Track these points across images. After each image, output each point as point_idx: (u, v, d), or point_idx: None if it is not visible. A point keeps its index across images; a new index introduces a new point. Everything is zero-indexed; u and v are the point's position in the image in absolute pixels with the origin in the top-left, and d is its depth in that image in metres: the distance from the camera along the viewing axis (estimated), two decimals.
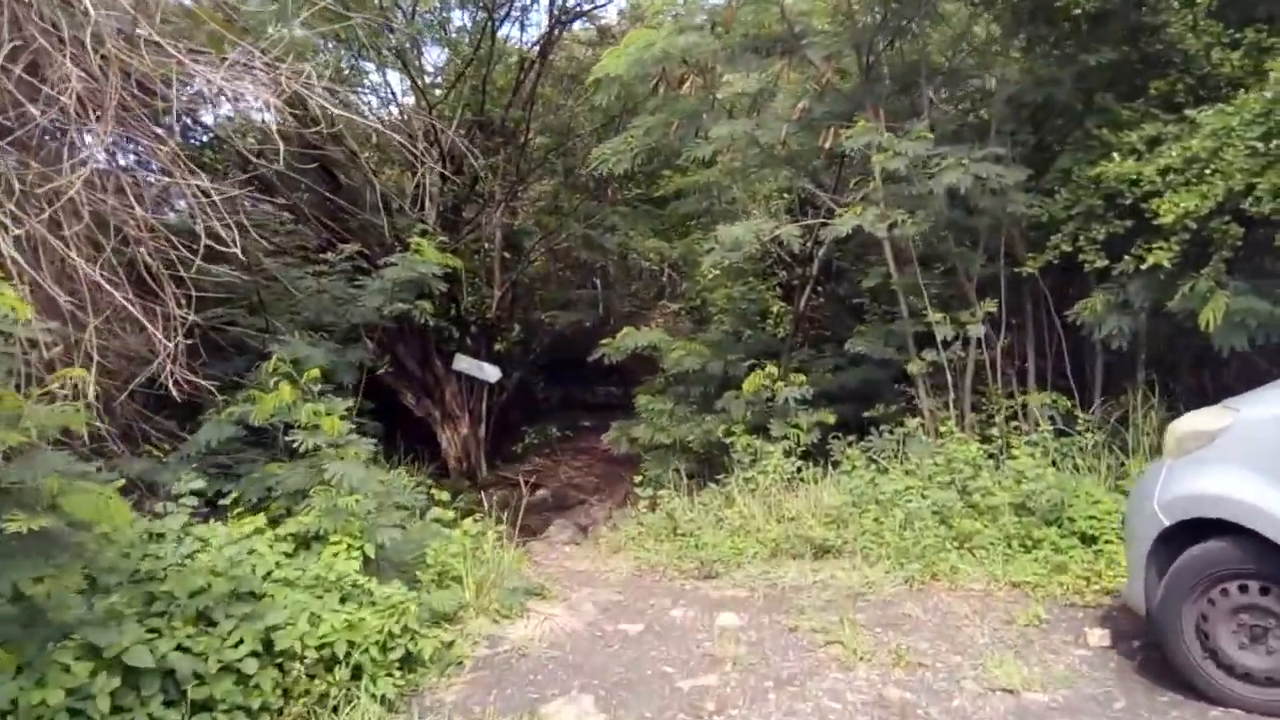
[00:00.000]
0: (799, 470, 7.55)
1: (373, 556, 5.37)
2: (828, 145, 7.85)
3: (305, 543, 5.45)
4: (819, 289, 12.85)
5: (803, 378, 8.27)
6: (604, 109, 11.44)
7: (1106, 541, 5.92)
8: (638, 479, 9.20)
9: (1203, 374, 8.03)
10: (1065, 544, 6.02)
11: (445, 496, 6.85)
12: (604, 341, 10.11)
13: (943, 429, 7.55)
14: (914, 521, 6.34)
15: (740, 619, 5.60)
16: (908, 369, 8.18)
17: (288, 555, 5.22)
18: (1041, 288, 8.23)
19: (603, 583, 7.04)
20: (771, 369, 8.19)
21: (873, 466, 7.28)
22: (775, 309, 12.09)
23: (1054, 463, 6.79)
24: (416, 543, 6.00)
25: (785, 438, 8.06)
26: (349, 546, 5.31)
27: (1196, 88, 7.41)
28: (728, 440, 8.34)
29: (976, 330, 7.64)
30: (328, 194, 13.63)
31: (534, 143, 14.96)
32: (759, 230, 7.81)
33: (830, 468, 7.76)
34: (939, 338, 7.81)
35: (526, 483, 14.78)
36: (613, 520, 10.02)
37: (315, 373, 6.02)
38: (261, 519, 5.56)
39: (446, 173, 12.70)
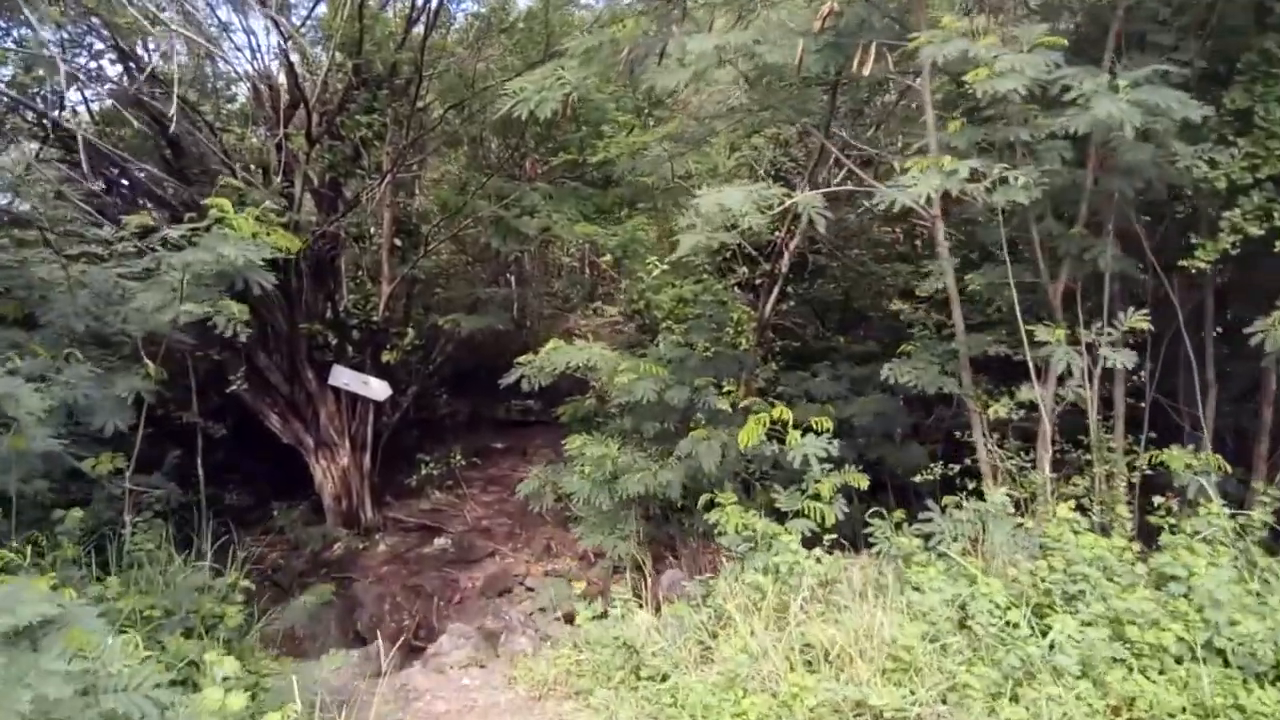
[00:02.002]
0: (820, 573, 4.92)
1: None
2: (865, 70, 5.35)
3: None
4: (786, 290, 10.44)
5: (826, 421, 5.68)
6: (521, 50, 8.75)
7: None
8: (574, 537, 6.56)
9: None
10: None
11: (228, 665, 3.97)
12: (522, 359, 7.44)
13: (1019, 497, 5.14)
14: (1036, 674, 3.88)
15: None
16: (970, 406, 5.73)
17: None
18: (1200, 293, 5.82)
19: None
20: (783, 411, 5.63)
21: (938, 560, 4.78)
22: (736, 315, 9.58)
23: (1241, 570, 4.41)
24: None
25: (802, 513, 5.51)
26: None
27: None
28: (710, 518, 5.71)
29: (1124, 358, 5.18)
30: (164, 168, 10.57)
31: (433, 108, 12.08)
32: (760, 198, 5.23)
33: (864, 552, 5.27)
34: (1057, 365, 5.22)
35: (423, 527, 11.94)
36: (534, 626, 7.31)
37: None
38: None
39: (314, 131, 9.77)
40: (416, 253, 11.98)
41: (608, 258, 15.54)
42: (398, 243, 12.10)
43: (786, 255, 9.72)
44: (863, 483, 5.62)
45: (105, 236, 6.02)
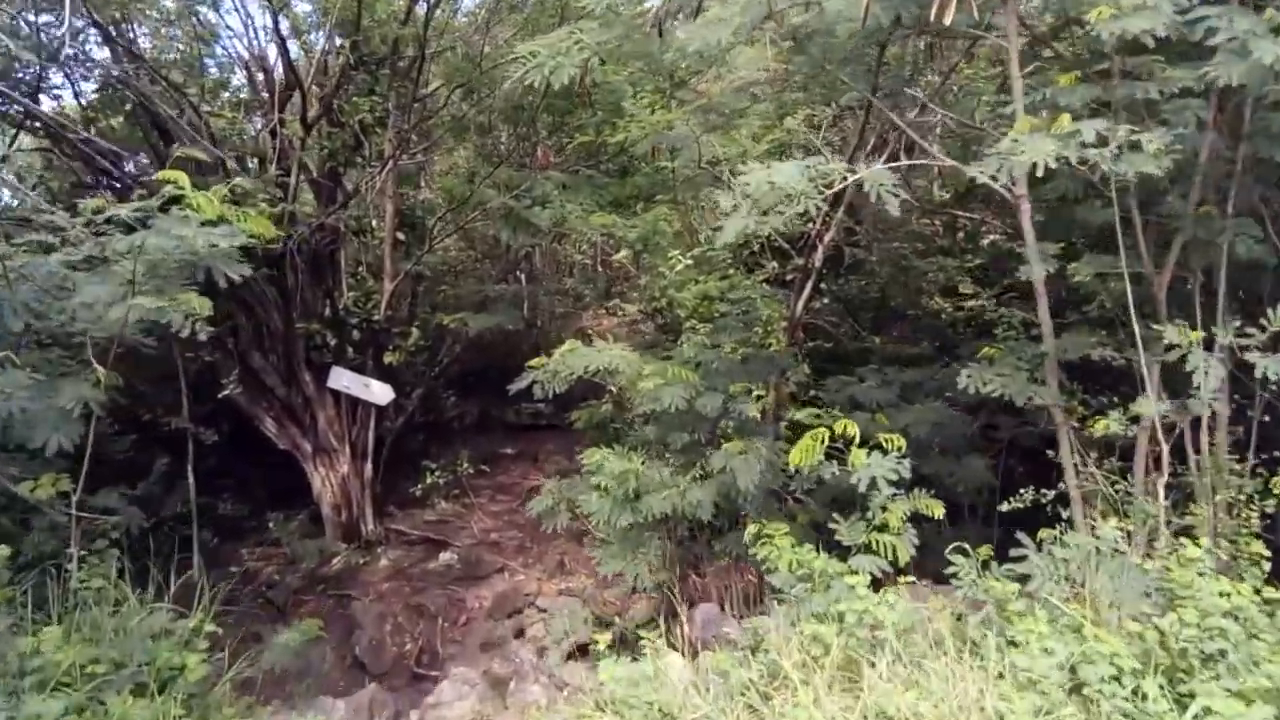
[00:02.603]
0: (894, 622, 4.04)
1: None
2: (948, 18, 4.53)
3: None
4: (819, 286, 9.66)
5: (897, 439, 4.82)
6: (533, 28, 7.98)
7: None
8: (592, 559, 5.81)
9: None
10: None
11: None
12: (534, 363, 6.65)
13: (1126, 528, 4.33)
14: None
15: None
16: (1056, 418, 4.90)
17: None
18: None
19: None
20: (849, 424, 4.79)
21: (1038, 608, 3.95)
22: (766, 313, 8.79)
23: None
24: None
25: (869, 548, 4.68)
26: None
27: None
28: (759, 552, 4.87)
29: (1276, 365, 4.33)
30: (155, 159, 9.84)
31: (439, 93, 11.32)
32: (818, 174, 4.42)
33: (924, 582, 4.47)
34: (1200, 373, 4.33)
35: (428, 540, 11.20)
36: (548, 672, 6.52)
37: None
38: None
39: (310, 116, 9.03)
40: (421, 247, 11.23)
41: (624, 253, 14.79)
42: (401, 237, 11.35)
43: (821, 248, 8.93)
44: (938, 510, 4.80)
45: (58, 222, 5.22)
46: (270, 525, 11.31)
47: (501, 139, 12.07)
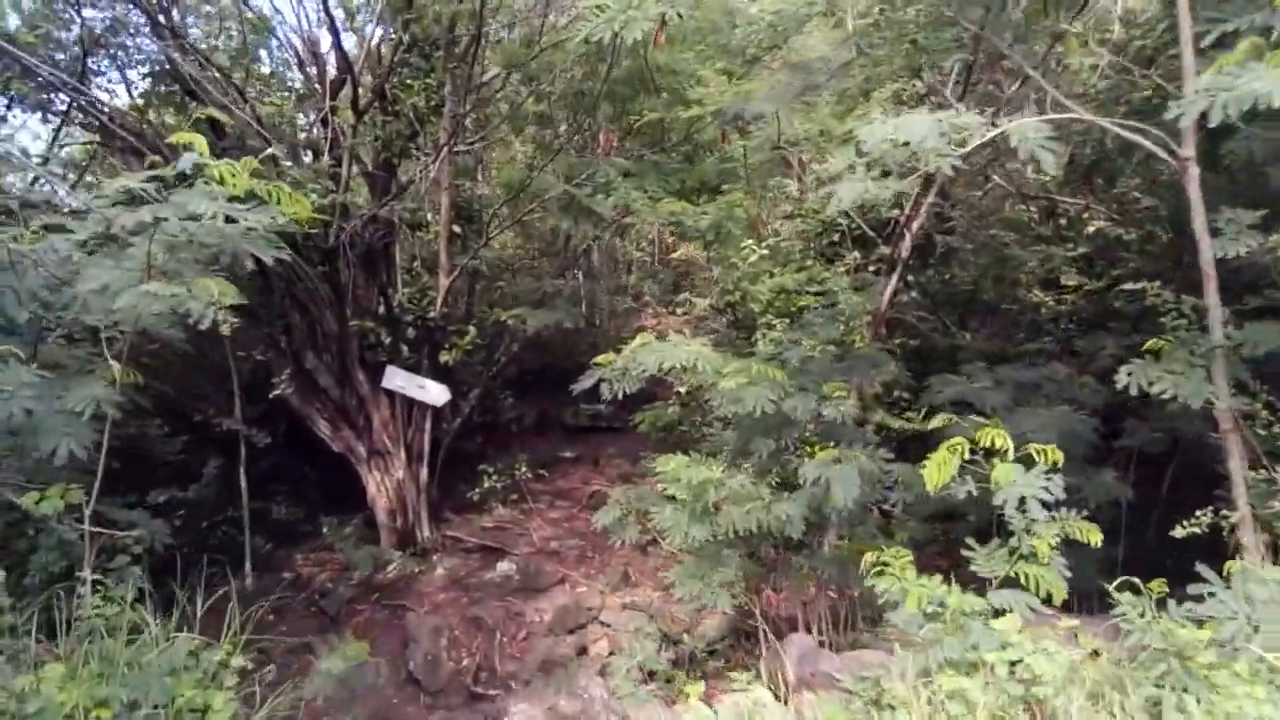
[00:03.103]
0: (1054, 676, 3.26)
1: None
2: None
3: None
4: (906, 278, 8.90)
5: (1053, 451, 4.02)
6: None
7: None
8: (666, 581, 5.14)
9: None
10: None
11: None
12: (601, 359, 6.00)
13: None
14: None
15: None
16: (1223, 425, 4.10)
17: None
18: None
19: None
20: (999, 435, 4.04)
21: (1232, 659, 3.19)
22: (847, 307, 8.05)
23: None
24: None
25: (1018, 581, 3.89)
26: None
27: None
28: (877, 584, 4.11)
29: None
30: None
31: (495, 81, 10.79)
32: (951, 128, 3.68)
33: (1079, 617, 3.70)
34: None
35: (485, 548, 10.68)
36: (620, 714, 5.86)
37: None
38: None
39: (361, 101, 8.57)
40: (478, 241, 10.71)
41: (686, 250, 14.12)
42: (457, 230, 10.88)
43: (909, 236, 8.17)
44: (1095, 536, 3.99)
45: (77, 204, 4.75)
46: (324, 530, 10.92)
47: (561, 128, 11.48)
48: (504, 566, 9.84)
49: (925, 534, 6.32)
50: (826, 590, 6.41)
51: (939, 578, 3.86)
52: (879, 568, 4.07)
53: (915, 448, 6.11)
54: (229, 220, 3.73)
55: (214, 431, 10.46)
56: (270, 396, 10.44)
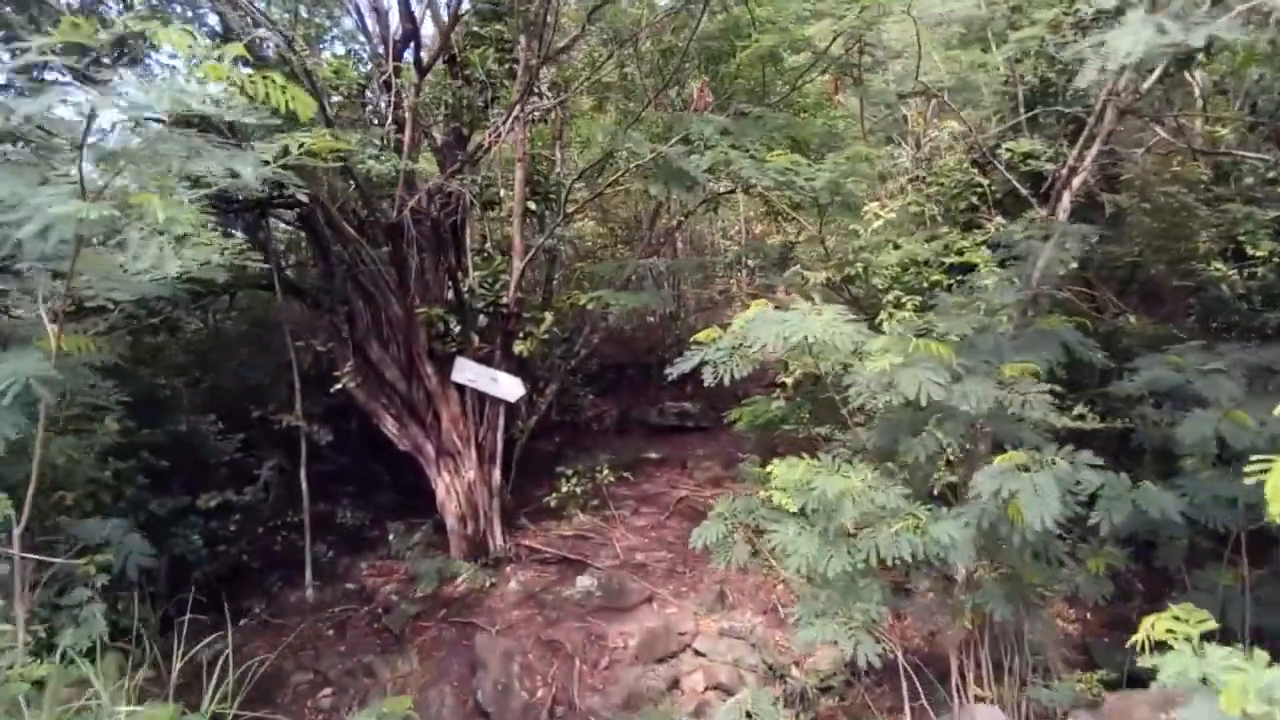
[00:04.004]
0: None
1: None
2: None
3: None
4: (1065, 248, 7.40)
5: None
6: None
7: None
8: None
9: None
10: None
11: None
12: (702, 336, 4.76)
13: None
14: None
15: None
16: None
17: None
18: None
19: None
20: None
21: None
22: (990, 283, 6.67)
23: None
24: None
25: None
26: None
27: None
28: (1164, 669, 2.79)
29: None
30: None
31: (574, 38, 9.71)
32: None
33: None
34: None
35: (563, 559, 9.61)
36: None
37: None
38: None
39: (425, 59, 7.59)
40: (555, 218, 9.65)
41: (781, 231, 12.82)
42: (532, 207, 9.84)
43: (1068, 196, 6.75)
44: None
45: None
46: (390, 537, 10.01)
47: (647, 80, 10.31)
48: (584, 581, 8.73)
49: (1125, 560, 4.93)
50: (985, 630, 5.07)
51: (1264, 658, 2.52)
52: (1152, 630, 2.75)
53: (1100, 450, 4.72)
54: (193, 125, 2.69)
55: (274, 429, 9.67)
56: (331, 391, 9.58)
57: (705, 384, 4.72)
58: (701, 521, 10.39)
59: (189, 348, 10.28)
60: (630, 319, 16.23)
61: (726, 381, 4.42)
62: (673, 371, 4.85)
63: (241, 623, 9.50)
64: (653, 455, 13.04)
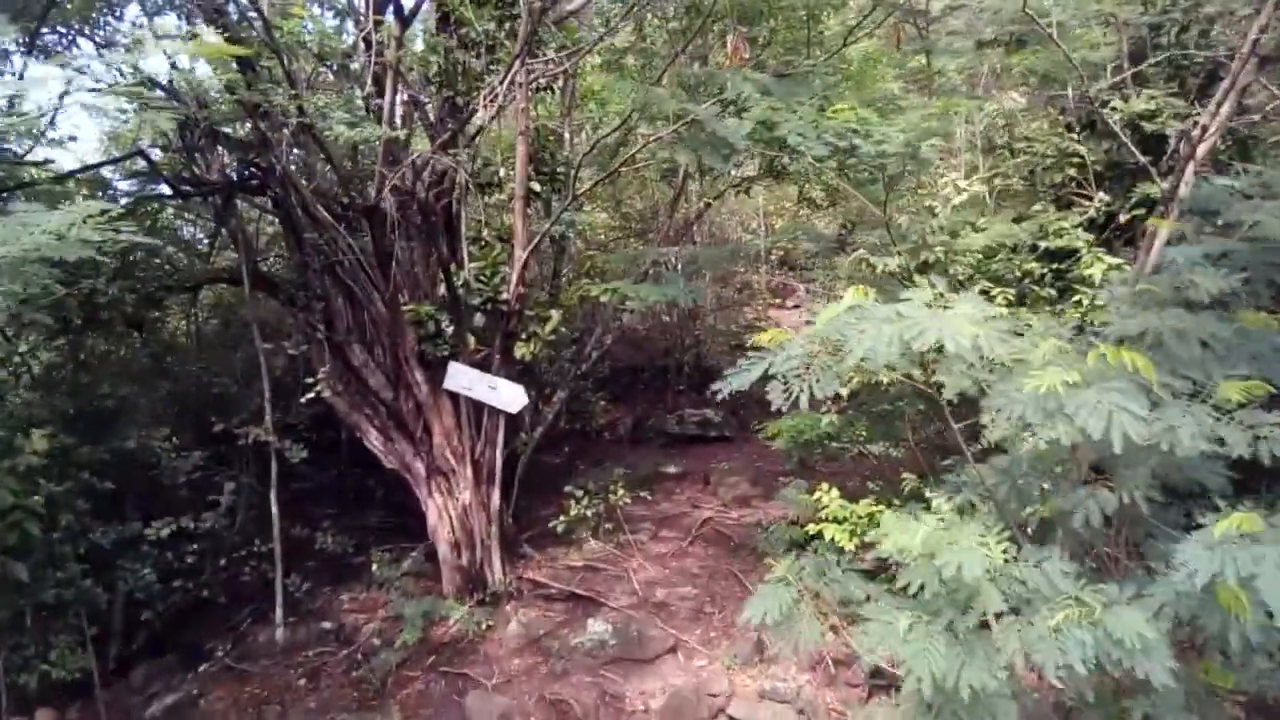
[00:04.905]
0: None
1: None
2: None
3: None
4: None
5: None
6: None
7: None
8: None
9: None
10: None
11: None
12: (765, 338, 3.39)
13: None
14: None
15: None
16: None
17: None
18: None
19: None
20: None
21: None
22: (1094, 271, 5.38)
23: None
24: None
25: None
26: None
27: None
28: None
29: None
30: None
31: None
32: None
33: None
34: None
35: (572, 595, 8.31)
36: None
37: None
38: None
39: (404, 8, 6.32)
40: (563, 201, 8.35)
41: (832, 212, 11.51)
42: (536, 188, 8.55)
43: (1192, 165, 5.42)
44: None
45: None
46: (374, 567, 8.74)
47: (673, 44, 9.00)
48: (596, 627, 7.43)
49: None
50: None
51: None
52: None
53: None
54: None
55: (241, 444, 8.39)
56: (304, 400, 8.32)
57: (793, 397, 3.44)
58: (731, 548, 9.04)
59: (144, 352, 9.00)
60: (645, 318, 14.94)
61: (804, 402, 3.11)
62: (721, 388, 3.53)
63: (202, 668, 8.29)
64: (671, 470, 11.74)
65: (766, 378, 3.27)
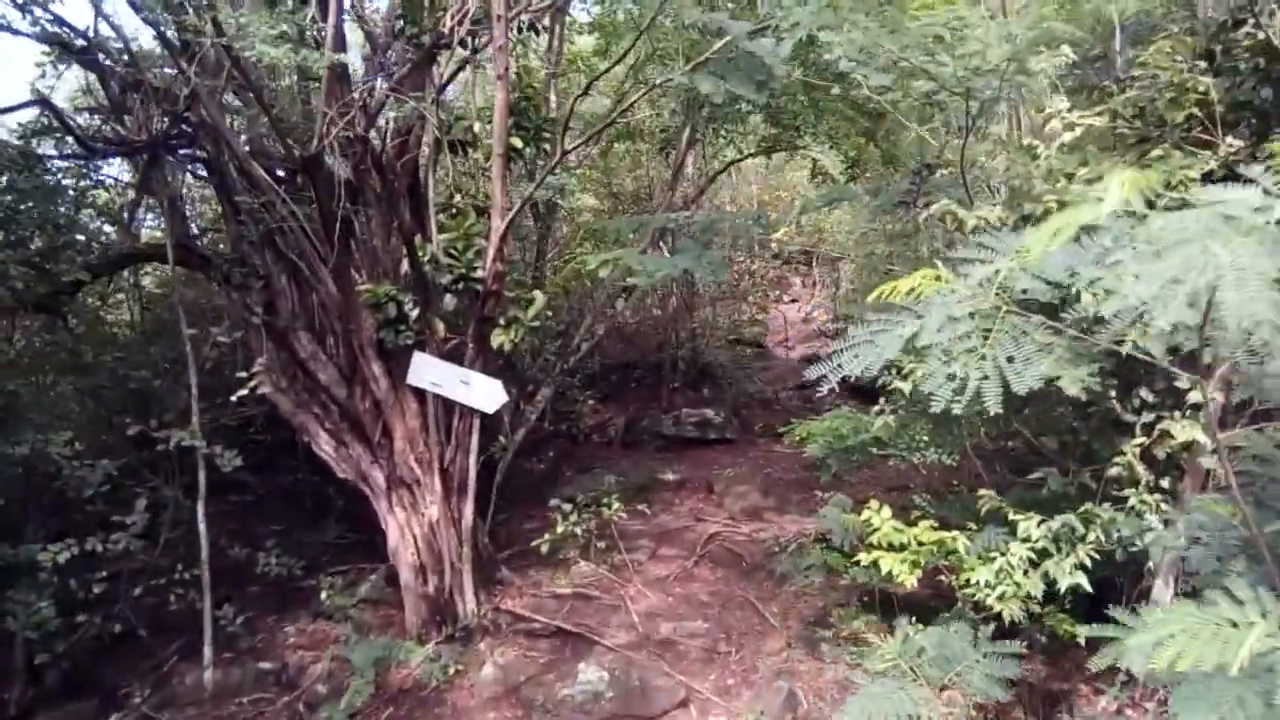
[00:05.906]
0: None
1: None
2: None
3: None
4: None
5: None
6: None
7: None
8: None
9: None
10: None
11: None
12: (915, 282, 2.11)
13: None
14: None
15: None
16: None
17: None
18: None
19: None
20: None
21: None
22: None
23: None
24: None
25: None
26: None
27: None
28: None
29: None
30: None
31: None
32: None
33: None
34: None
35: (559, 631, 6.98)
36: None
37: None
38: None
39: None
40: (549, 161, 7.03)
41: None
42: (517, 144, 7.23)
43: None
44: None
45: None
46: (323, 595, 7.37)
47: None
48: (589, 673, 6.08)
49: None
50: None
51: None
52: None
53: None
54: None
55: (155, 450, 6.96)
56: (235, 399, 6.94)
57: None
58: (744, 570, 7.67)
59: (48, 341, 7.54)
60: (636, 311, 13.64)
61: (993, 397, 1.85)
62: (828, 375, 2.23)
63: (114, 718, 6.90)
64: (670, 476, 10.40)
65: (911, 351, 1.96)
